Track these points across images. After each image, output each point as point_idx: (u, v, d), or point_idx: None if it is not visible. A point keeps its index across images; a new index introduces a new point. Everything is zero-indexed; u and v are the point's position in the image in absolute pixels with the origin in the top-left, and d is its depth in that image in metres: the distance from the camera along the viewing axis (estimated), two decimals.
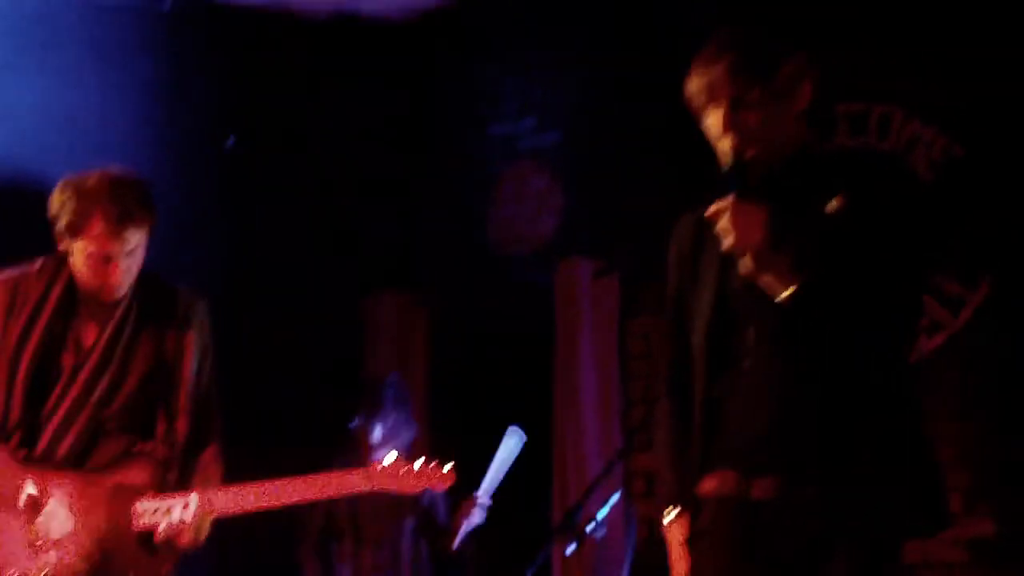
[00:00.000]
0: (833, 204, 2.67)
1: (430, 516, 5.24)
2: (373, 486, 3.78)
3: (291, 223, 6.36)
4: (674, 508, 2.91)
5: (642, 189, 5.69)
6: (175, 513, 3.53)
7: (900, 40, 5.39)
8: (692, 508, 2.84)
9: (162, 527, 3.53)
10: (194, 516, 3.54)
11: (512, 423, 5.08)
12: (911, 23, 5.38)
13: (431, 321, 6.40)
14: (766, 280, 2.64)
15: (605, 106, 6.01)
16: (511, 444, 5.02)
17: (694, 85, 2.77)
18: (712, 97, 2.74)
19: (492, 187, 6.30)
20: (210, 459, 3.69)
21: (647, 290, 5.57)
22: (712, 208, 2.67)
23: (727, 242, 2.65)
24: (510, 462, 5.03)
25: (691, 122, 2.84)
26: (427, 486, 3.89)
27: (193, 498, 3.55)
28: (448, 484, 3.92)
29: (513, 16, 6.27)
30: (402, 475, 3.81)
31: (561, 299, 5.87)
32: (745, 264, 2.64)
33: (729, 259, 2.73)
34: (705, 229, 2.83)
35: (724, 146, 2.75)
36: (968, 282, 5.14)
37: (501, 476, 5.06)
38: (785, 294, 2.62)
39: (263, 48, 6.36)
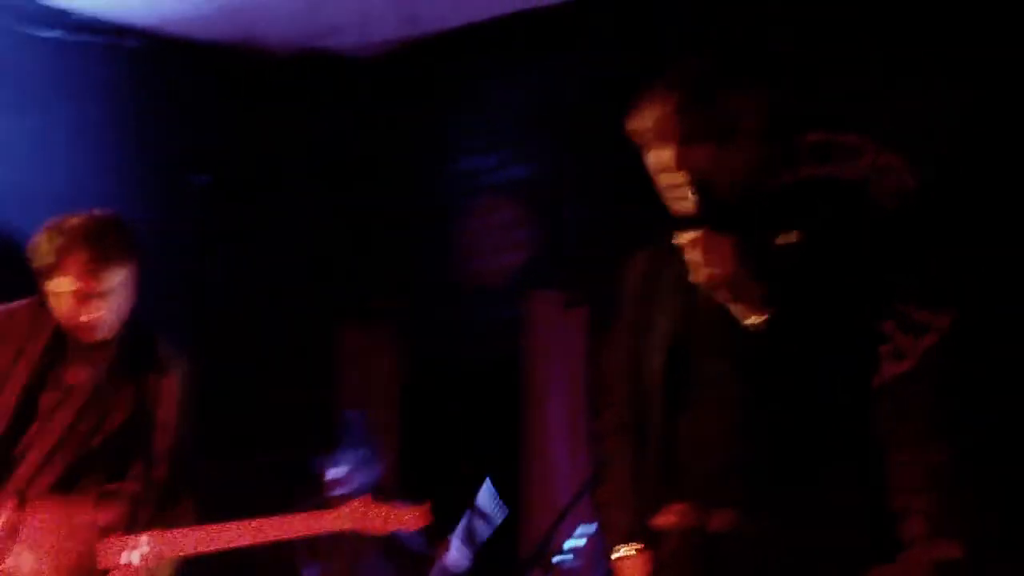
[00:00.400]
0: (788, 237, 2.70)
1: (396, 541, 5.22)
2: (343, 527, 3.79)
3: (262, 258, 6.36)
4: (631, 544, 2.89)
5: (610, 221, 5.72)
6: (125, 555, 3.54)
7: (866, 69, 5.46)
8: (650, 543, 2.84)
9: (117, 571, 3.55)
10: (146, 559, 3.54)
11: (482, 457, 5.09)
12: (877, 52, 5.45)
13: (401, 353, 6.41)
14: (738, 309, 2.66)
15: (572, 139, 6.06)
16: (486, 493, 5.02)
17: (640, 123, 2.78)
18: (659, 135, 2.76)
19: (461, 220, 6.32)
20: (182, 514, 3.70)
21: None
22: (683, 238, 2.69)
23: (700, 275, 2.66)
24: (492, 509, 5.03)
25: None
26: (399, 527, 3.90)
27: (144, 540, 3.56)
28: (421, 524, 3.93)
29: (480, 52, 6.31)
30: (373, 515, 3.82)
31: (530, 330, 5.89)
32: (722, 295, 2.66)
33: (685, 292, 2.76)
34: (657, 264, 2.86)
35: (668, 181, 2.76)
36: (933, 309, 5.18)
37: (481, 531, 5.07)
38: (756, 321, 2.64)
39: (231, 83, 6.39)
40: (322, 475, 5.14)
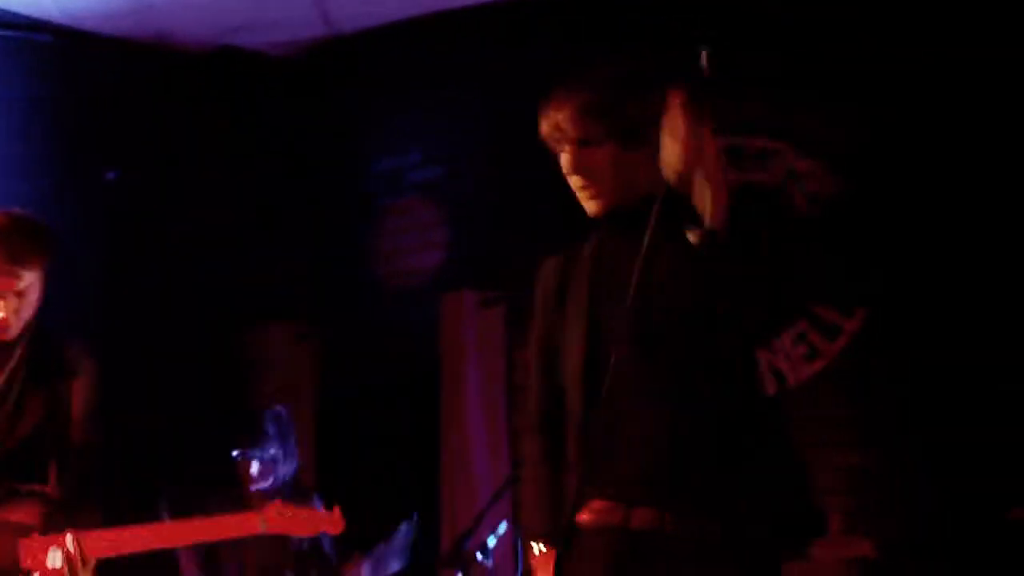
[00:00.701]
0: (693, 238, 2.72)
1: (317, 547, 5.21)
2: (263, 530, 3.80)
3: (175, 255, 6.30)
4: (544, 543, 2.89)
5: (527, 221, 5.74)
6: (49, 556, 3.51)
7: (779, 73, 5.52)
8: (566, 541, 2.84)
9: (38, 572, 3.51)
10: (69, 560, 3.51)
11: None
12: (790, 57, 5.52)
13: (318, 353, 6.38)
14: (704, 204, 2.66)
15: (490, 139, 6.07)
16: (404, 532, 5.03)
17: (544, 126, 2.82)
18: (561, 138, 2.79)
19: (378, 220, 6.31)
20: (90, 514, 3.67)
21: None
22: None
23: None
24: (403, 550, 5.04)
25: None
26: (318, 530, 3.93)
27: (68, 540, 3.53)
28: (339, 528, 3.97)
29: (398, 51, 6.30)
30: (292, 518, 3.84)
31: (447, 330, 5.89)
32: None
33: (599, 295, 2.78)
34: (571, 267, 2.89)
35: (572, 183, 2.80)
36: (845, 310, 5.25)
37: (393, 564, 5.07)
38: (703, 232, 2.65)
39: (144, 80, 6.32)
40: (243, 469, 5.10)
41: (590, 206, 2.82)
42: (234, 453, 5.16)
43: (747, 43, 5.51)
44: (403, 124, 6.32)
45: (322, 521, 3.92)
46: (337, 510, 3.98)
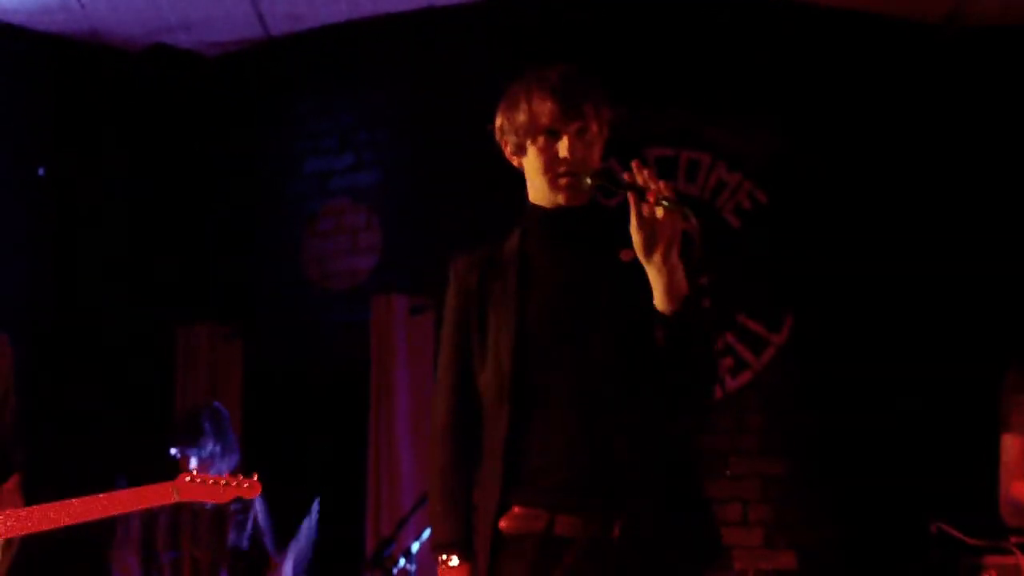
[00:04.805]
0: (630, 253, 2.69)
1: (258, 545, 5.18)
2: (176, 498, 3.79)
3: (104, 254, 6.25)
4: (451, 553, 2.83)
5: (458, 225, 5.74)
6: None
7: (709, 89, 5.58)
8: (492, 548, 2.77)
9: None
10: None
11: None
12: (719, 72, 5.58)
13: (246, 354, 6.34)
14: (667, 281, 2.63)
15: (422, 143, 6.07)
16: (311, 518, 5.01)
17: (557, 101, 2.75)
18: (569, 120, 2.74)
19: (309, 222, 6.29)
20: (12, 489, 3.64)
21: None
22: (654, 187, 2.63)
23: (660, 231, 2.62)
24: (310, 533, 5.02)
25: (503, 162, 2.87)
26: (235, 495, 3.92)
27: None
28: (256, 492, 3.96)
29: (332, 54, 6.29)
30: (209, 485, 3.83)
31: (377, 334, 5.88)
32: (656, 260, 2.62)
33: (528, 299, 2.76)
34: (491, 266, 2.86)
35: (560, 167, 2.76)
36: (771, 323, 5.31)
37: (305, 548, 5.05)
38: (674, 307, 2.63)
39: (75, 76, 6.27)
40: (182, 466, 5.08)
41: (561, 195, 2.79)
42: (172, 451, 5.13)
43: (671, 57, 5.58)
44: (335, 127, 6.30)
45: (239, 486, 3.89)
46: (255, 476, 3.95)
